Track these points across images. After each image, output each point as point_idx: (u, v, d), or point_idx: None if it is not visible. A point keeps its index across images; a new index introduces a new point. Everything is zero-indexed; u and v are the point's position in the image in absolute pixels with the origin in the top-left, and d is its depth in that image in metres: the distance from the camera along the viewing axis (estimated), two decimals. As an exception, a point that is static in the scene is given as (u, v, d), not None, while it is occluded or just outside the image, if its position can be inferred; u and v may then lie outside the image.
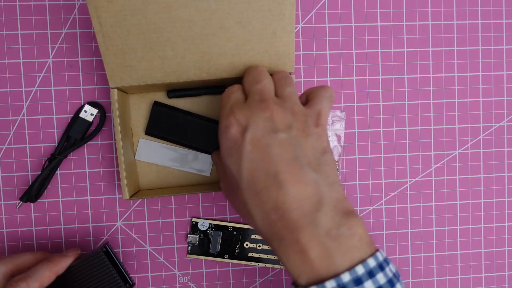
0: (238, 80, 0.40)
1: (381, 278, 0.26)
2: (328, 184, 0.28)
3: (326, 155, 0.30)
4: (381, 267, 0.26)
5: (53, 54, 0.43)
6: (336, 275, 0.25)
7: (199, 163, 0.43)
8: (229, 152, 0.29)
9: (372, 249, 0.27)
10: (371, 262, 0.26)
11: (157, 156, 0.43)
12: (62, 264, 0.36)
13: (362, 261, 0.26)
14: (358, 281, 0.25)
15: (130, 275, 0.43)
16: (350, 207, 0.28)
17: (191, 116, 0.41)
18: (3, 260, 0.35)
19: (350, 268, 0.26)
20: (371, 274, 0.25)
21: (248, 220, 0.30)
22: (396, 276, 0.27)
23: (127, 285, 0.39)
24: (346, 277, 0.25)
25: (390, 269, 0.27)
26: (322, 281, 0.25)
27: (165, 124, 0.40)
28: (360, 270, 0.25)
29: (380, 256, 0.27)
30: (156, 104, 0.41)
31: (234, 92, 0.33)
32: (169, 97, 0.42)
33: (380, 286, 0.25)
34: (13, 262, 0.35)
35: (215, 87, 0.42)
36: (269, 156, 0.28)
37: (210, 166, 0.43)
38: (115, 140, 0.43)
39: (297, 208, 0.27)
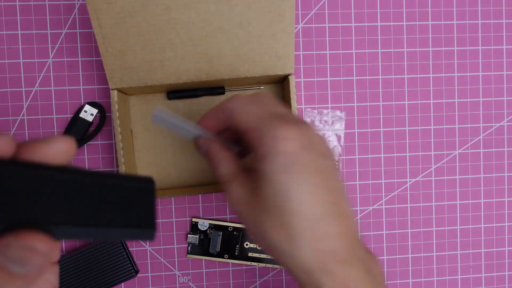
0: (237, 81, 0.40)
1: None
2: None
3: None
4: None
5: (53, 54, 0.43)
6: None
7: None
8: (284, 168, 0.25)
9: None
10: None
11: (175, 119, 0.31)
12: None
13: None
14: None
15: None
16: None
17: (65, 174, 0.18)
18: None
19: None
20: None
21: (285, 244, 0.25)
22: None
23: (134, 270, 0.43)
24: None
25: None
26: None
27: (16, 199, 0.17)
28: None
29: None
30: None
31: (263, 100, 0.29)
32: (169, 98, 0.42)
33: None
34: None
35: (215, 88, 0.42)
36: (328, 182, 0.26)
37: None
38: (115, 140, 0.43)
39: (346, 243, 0.25)
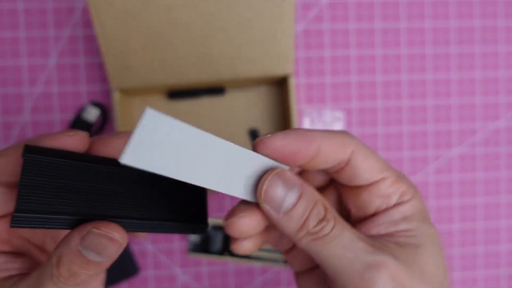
0: (237, 81, 0.40)
1: None
2: None
3: None
4: None
5: (55, 55, 0.43)
6: None
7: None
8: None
9: None
10: None
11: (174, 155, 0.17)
12: None
13: None
14: None
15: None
16: None
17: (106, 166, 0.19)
18: None
19: None
20: None
21: None
22: None
23: (135, 269, 0.44)
24: None
25: None
26: None
27: (54, 190, 0.18)
28: None
29: None
30: (28, 151, 0.17)
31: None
32: (170, 97, 0.43)
33: None
34: None
35: (215, 88, 0.43)
36: None
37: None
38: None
39: None
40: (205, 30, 0.36)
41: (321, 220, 0.18)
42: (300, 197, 0.18)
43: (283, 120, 0.44)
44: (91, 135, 0.43)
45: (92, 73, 0.44)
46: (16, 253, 0.21)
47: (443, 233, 0.47)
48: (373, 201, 0.21)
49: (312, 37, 0.45)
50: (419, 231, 0.20)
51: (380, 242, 0.20)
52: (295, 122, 0.40)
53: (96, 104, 0.43)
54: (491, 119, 0.47)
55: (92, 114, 0.43)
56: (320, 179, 0.23)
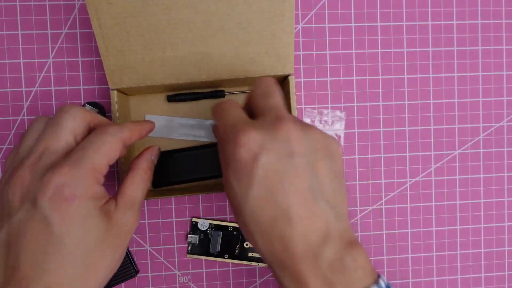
0: (237, 81, 0.40)
1: None
2: (337, 215, 0.27)
3: (341, 181, 0.28)
4: None
5: (53, 54, 0.43)
6: None
7: (206, 132, 0.44)
8: (237, 176, 0.26)
9: (375, 276, 0.27)
10: None
11: (166, 130, 0.43)
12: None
13: None
14: None
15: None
16: (353, 236, 0.27)
17: (185, 152, 0.38)
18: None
19: None
20: None
21: (249, 238, 0.28)
22: None
23: (134, 270, 0.43)
24: None
25: None
26: None
27: (168, 170, 0.38)
28: None
29: (382, 283, 0.26)
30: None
31: (234, 107, 0.29)
32: (169, 101, 0.42)
33: None
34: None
35: (215, 91, 0.42)
36: (282, 186, 0.25)
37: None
38: (115, 140, 0.43)
39: (303, 242, 0.25)
40: (205, 29, 0.35)
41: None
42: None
43: (283, 120, 0.44)
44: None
45: (91, 73, 0.43)
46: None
47: (446, 234, 0.47)
48: None
49: (312, 36, 0.45)
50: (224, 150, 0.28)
51: None
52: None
53: (94, 104, 0.43)
54: (496, 119, 0.47)
55: (90, 114, 0.42)
56: None
